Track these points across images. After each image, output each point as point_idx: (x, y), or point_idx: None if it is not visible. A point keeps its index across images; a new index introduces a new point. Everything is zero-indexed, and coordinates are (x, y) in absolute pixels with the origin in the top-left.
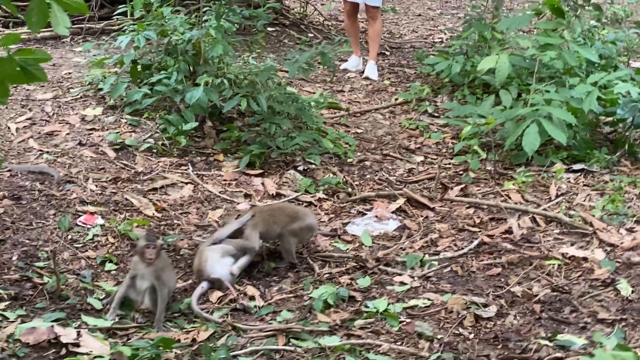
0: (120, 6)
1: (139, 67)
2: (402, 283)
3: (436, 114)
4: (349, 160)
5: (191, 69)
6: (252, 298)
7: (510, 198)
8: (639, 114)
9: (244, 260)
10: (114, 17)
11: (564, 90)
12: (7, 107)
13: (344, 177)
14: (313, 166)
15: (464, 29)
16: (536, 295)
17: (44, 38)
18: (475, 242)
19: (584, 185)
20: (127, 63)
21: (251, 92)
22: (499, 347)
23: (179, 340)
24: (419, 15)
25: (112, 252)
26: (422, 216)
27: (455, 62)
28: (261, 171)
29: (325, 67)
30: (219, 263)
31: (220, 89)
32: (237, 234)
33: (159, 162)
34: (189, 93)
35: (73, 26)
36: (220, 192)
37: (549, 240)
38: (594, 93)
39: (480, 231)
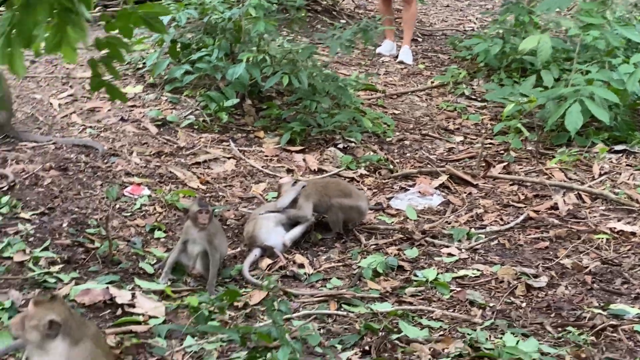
0: None
1: (178, 46)
2: (450, 254)
3: (473, 97)
4: (388, 139)
5: (231, 47)
6: (301, 266)
7: (553, 176)
8: None
9: (297, 231)
10: None
11: (606, 71)
12: (47, 84)
13: (384, 154)
14: (353, 144)
15: (500, 12)
16: (586, 267)
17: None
18: (522, 217)
19: (627, 165)
20: (166, 42)
21: (291, 70)
22: (552, 315)
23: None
24: (447, 6)
25: (160, 221)
26: (465, 192)
27: (493, 45)
28: (302, 148)
29: (366, 44)
30: (273, 231)
31: (261, 66)
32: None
33: (200, 137)
34: (231, 69)
35: (110, 9)
36: (262, 167)
37: (595, 216)
38: (636, 74)
39: (525, 207)
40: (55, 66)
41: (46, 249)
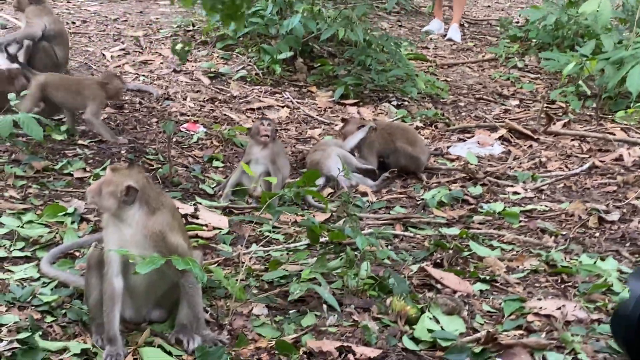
0: None
1: None
2: (516, 193)
3: (526, 69)
4: (442, 99)
5: (285, 2)
6: (364, 194)
7: (614, 134)
8: None
9: (365, 182)
10: None
11: None
12: (99, 40)
13: (440, 111)
14: (406, 102)
15: None
16: None
17: None
18: (587, 165)
19: None
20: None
21: (346, 24)
22: (627, 245)
23: (296, 221)
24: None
25: (217, 153)
26: (526, 145)
27: (548, 15)
28: (355, 101)
29: None
30: (339, 164)
31: (316, 19)
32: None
33: (253, 89)
34: (287, 21)
35: None
36: (316, 114)
37: None
38: None
39: (590, 157)
40: (106, 25)
41: (105, 169)
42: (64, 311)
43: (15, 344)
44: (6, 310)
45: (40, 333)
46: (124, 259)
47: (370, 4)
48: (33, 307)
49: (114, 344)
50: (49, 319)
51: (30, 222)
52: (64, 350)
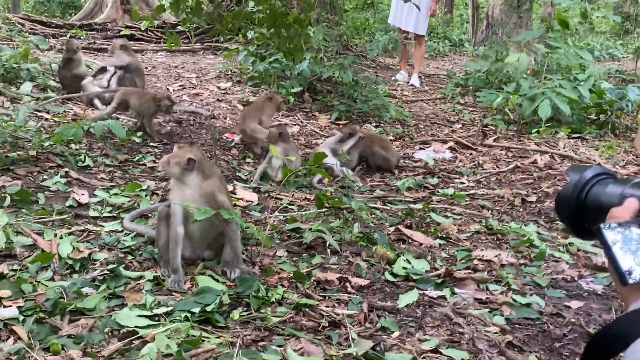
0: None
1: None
2: (462, 182)
3: (466, 104)
4: (407, 123)
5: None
6: (353, 182)
7: (529, 146)
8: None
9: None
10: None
11: (567, 80)
12: (164, 79)
13: (406, 130)
14: (382, 124)
15: (484, 50)
16: None
17: (185, 51)
18: (511, 166)
19: (582, 145)
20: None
21: (340, 68)
22: (542, 217)
23: (307, 198)
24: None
25: (248, 153)
26: (468, 153)
27: (482, 65)
28: (345, 122)
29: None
30: (333, 159)
31: (319, 65)
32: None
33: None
34: (299, 64)
35: (203, 44)
36: (319, 130)
37: (565, 168)
38: (589, 82)
39: (513, 161)
40: (169, 70)
41: None
42: (140, 252)
43: (106, 272)
44: (99, 251)
45: (123, 266)
46: (185, 212)
47: (357, 54)
48: (118, 249)
49: (177, 273)
50: (129, 257)
51: (115, 194)
52: (141, 277)
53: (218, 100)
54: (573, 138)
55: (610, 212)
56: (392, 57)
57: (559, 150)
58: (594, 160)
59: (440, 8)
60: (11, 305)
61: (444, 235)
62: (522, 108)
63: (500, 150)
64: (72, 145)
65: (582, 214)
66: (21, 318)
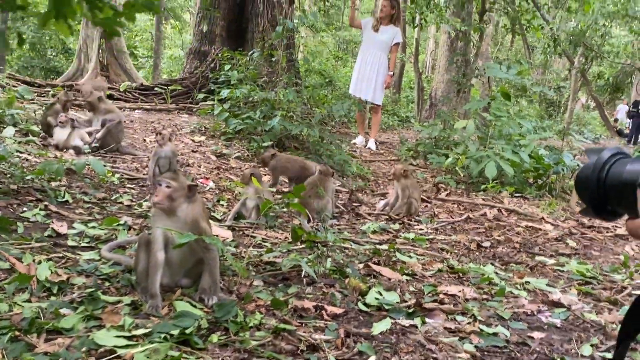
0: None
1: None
2: (421, 229)
3: (418, 166)
4: (368, 178)
5: (269, 110)
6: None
7: (479, 202)
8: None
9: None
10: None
11: (509, 146)
12: (142, 131)
13: (367, 183)
14: (345, 178)
15: (434, 119)
16: (513, 240)
17: (160, 110)
18: (464, 216)
19: (524, 202)
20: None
21: (308, 126)
22: (497, 260)
23: (279, 238)
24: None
25: (223, 196)
26: (424, 205)
27: (432, 131)
28: None
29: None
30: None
31: (289, 121)
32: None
33: (245, 164)
34: (270, 121)
35: (178, 105)
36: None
37: (512, 220)
38: (529, 147)
39: (465, 213)
40: (146, 124)
41: (146, 201)
42: (118, 279)
43: (84, 295)
44: (77, 276)
45: (101, 291)
46: (166, 238)
47: (325, 115)
48: (96, 276)
49: (155, 298)
50: (107, 283)
51: (93, 227)
52: (119, 302)
53: (192, 151)
54: (516, 197)
55: None
56: (347, 127)
57: (505, 205)
58: (538, 215)
59: (389, 89)
60: None
61: (410, 272)
62: (469, 168)
63: (453, 203)
64: (52, 182)
65: (603, 193)
66: None
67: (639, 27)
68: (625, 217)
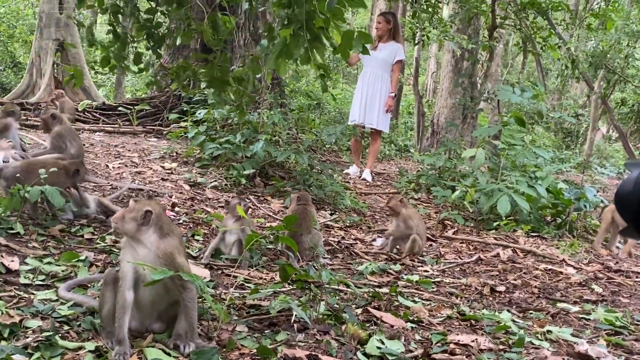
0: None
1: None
2: (426, 271)
3: (420, 200)
4: (363, 212)
5: (251, 134)
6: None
7: (491, 241)
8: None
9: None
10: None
11: (524, 178)
12: (104, 156)
13: (363, 218)
14: (337, 212)
15: (436, 148)
16: (531, 284)
17: (125, 133)
18: (475, 257)
19: (542, 243)
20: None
21: (296, 152)
22: (514, 307)
23: (264, 278)
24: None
25: (198, 230)
26: (429, 244)
27: (437, 160)
28: None
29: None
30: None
31: (274, 147)
32: None
33: (223, 194)
34: (253, 145)
35: (145, 127)
36: (272, 213)
37: (528, 262)
38: (547, 179)
39: (476, 253)
40: (108, 148)
41: (110, 234)
42: (78, 323)
43: (40, 339)
44: (31, 318)
45: (60, 335)
46: (137, 275)
47: (316, 140)
48: (53, 318)
49: (122, 344)
50: (65, 327)
51: (49, 262)
52: (80, 348)
53: (162, 179)
54: (532, 236)
55: None
56: (338, 156)
57: (521, 245)
58: (558, 257)
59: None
60: None
61: (416, 319)
62: (479, 203)
63: (461, 242)
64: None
65: None
66: None
67: None
68: None
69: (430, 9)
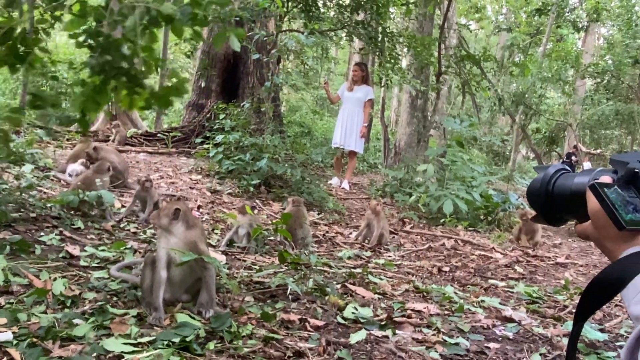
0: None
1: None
2: (389, 256)
3: (386, 204)
4: (343, 213)
5: (257, 153)
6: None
7: (438, 234)
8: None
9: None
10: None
11: (463, 186)
12: (146, 171)
13: (343, 217)
14: (323, 212)
15: (398, 164)
16: (469, 266)
17: (162, 153)
18: (426, 246)
19: (477, 235)
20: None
21: (291, 166)
22: (456, 283)
23: (265, 261)
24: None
25: (216, 225)
26: (391, 237)
27: (398, 173)
28: None
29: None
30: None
31: (275, 163)
32: None
33: (236, 199)
34: (258, 162)
35: (178, 149)
36: (273, 213)
37: (467, 250)
38: (480, 187)
39: (427, 243)
40: (149, 165)
41: (150, 229)
42: (125, 295)
43: (94, 308)
44: (88, 292)
45: (110, 304)
46: (169, 259)
47: (307, 158)
48: (105, 291)
49: (158, 311)
50: (115, 298)
51: (103, 250)
52: (125, 314)
53: (190, 187)
54: (469, 230)
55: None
56: (324, 170)
57: (461, 237)
58: (489, 245)
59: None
60: (6, 331)
61: (381, 292)
62: (429, 205)
63: (416, 235)
64: (67, 211)
65: (551, 203)
66: (15, 342)
67: (569, 90)
68: (571, 222)
69: (392, 60)
